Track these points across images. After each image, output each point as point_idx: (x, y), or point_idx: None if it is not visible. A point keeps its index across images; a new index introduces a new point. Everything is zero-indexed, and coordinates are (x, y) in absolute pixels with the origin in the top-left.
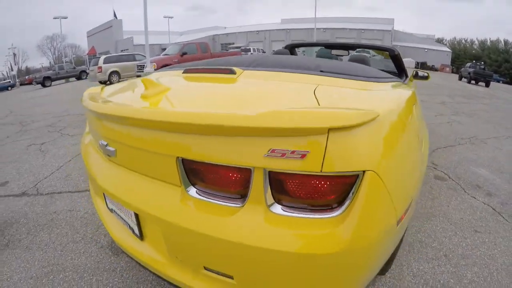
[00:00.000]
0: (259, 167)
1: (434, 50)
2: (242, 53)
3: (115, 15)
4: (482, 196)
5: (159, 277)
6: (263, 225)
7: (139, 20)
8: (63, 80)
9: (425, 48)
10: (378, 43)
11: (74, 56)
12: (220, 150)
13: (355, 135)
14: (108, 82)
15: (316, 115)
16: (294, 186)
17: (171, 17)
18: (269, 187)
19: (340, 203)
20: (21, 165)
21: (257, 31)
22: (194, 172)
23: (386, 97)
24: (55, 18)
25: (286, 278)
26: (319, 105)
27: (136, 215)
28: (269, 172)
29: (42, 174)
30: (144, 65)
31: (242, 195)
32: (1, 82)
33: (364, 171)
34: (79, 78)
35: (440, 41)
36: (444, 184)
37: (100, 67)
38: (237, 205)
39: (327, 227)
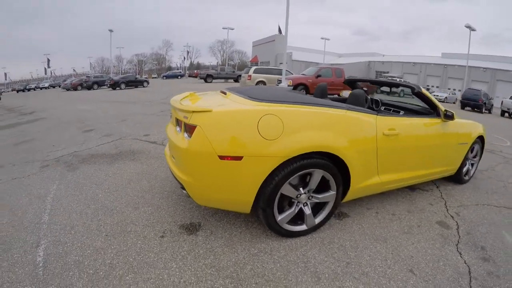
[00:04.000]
0: (188, 123)
1: None
2: None
3: (279, 31)
4: None
5: (177, 180)
6: (182, 139)
7: (302, 38)
8: (223, 80)
9: None
10: None
11: (239, 61)
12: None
13: (201, 115)
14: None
15: (193, 108)
16: (186, 128)
17: (328, 39)
18: (184, 129)
19: (190, 135)
20: (162, 129)
21: (414, 62)
22: (187, 128)
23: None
24: (224, 28)
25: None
26: None
27: (171, 144)
28: (184, 123)
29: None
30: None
31: (188, 133)
32: (175, 71)
33: (196, 125)
34: (236, 80)
35: None
36: None
37: (250, 76)
38: (186, 136)
39: (187, 142)
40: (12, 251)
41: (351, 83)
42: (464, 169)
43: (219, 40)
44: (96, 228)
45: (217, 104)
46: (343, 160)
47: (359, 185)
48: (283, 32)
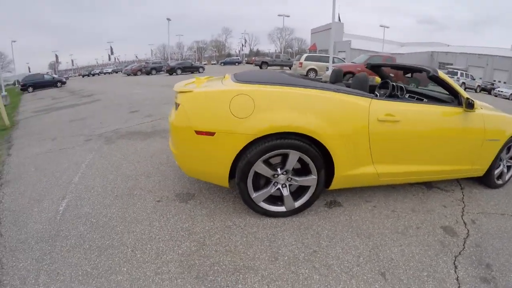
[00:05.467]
0: (176, 102)
1: None
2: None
3: (339, 19)
4: None
5: None
6: (172, 116)
7: (365, 26)
8: (278, 67)
9: None
10: None
11: (297, 48)
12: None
13: (184, 94)
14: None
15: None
16: (176, 106)
17: (387, 27)
18: (175, 107)
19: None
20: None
21: (479, 54)
22: (176, 106)
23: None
24: (279, 15)
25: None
26: None
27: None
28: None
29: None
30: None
31: (175, 111)
32: (233, 58)
33: (179, 104)
34: (291, 67)
35: None
36: None
37: (301, 63)
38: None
39: (173, 118)
40: (44, 201)
41: (374, 68)
42: (497, 171)
43: (278, 27)
44: (111, 190)
45: (206, 86)
46: (324, 145)
47: (346, 172)
48: (339, 20)
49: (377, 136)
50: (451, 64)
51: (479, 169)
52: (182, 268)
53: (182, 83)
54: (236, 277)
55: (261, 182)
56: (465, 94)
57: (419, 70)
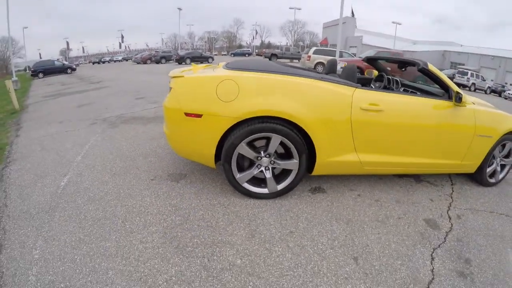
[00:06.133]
0: (169, 86)
1: None
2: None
3: (352, 14)
4: None
5: None
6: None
7: (378, 23)
8: (288, 60)
9: None
10: None
11: (309, 42)
12: None
13: (175, 79)
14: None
15: (172, 74)
16: (170, 90)
17: (399, 24)
18: (169, 91)
19: None
20: None
21: (492, 56)
22: (169, 90)
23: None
24: (290, 8)
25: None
26: None
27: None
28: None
29: None
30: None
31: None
32: (243, 49)
33: (172, 88)
34: (300, 60)
35: None
36: None
37: (309, 56)
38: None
39: (166, 101)
40: (47, 177)
41: (371, 61)
42: (489, 169)
43: (290, 20)
44: (110, 168)
45: (199, 73)
46: (305, 130)
47: (328, 159)
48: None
49: (360, 124)
50: (463, 64)
51: (470, 165)
52: (165, 239)
53: (179, 69)
54: (213, 250)
55: (245, 164)
56: (456, 88)
57: (411, 63)
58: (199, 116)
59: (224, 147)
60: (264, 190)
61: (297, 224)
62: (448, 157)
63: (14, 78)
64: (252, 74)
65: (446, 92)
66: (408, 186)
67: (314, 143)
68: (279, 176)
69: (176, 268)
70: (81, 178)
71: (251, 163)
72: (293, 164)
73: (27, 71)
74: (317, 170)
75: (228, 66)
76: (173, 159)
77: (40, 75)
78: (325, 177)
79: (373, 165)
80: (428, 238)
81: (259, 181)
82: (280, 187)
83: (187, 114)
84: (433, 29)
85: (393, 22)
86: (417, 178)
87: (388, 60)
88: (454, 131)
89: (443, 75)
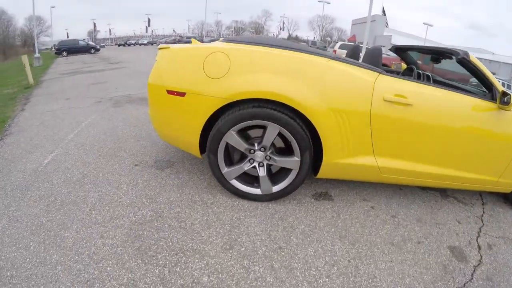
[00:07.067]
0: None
1: None
2: None
3: (383, 12)
4: None
5: None
6: None
7: (410, 24)
8: None
9: None
10: None
11: (337, 38)
12: None
13: (161, 51)
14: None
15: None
16: None
17: (431, 25)
18: None
19: None
20: None
21: None
22: None
23: None
24: (319, 1)
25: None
26: None
27: None
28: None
29: None
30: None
31: None
32: None
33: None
34: None
35: None
36: None
37: (335, 50)
38: None
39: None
40: (34, 153)
41: (399, 52)
42: None
43: (319, 15)
44: (97, 149)
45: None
46: (311, 121)
47: (338, 160)
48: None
49: (382, 120)
50: (494, 73)
51: (507, 184)
52: (128, 237)
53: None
54: (177, 258)
55: (236, 156)
56: (501, 87)
57: (448, 52)
58: (182, 94)
59: (210, 135)
60: (256, 191)
61: (290, 238)
62: (484, 171)
63: (37, 55)
64: (249, 47)
65: (488, 92)
66: (433, 201)
67: (320, 137)
68: (276, 175)
69: (130, 275)
70: (65, 157)
71: (243, 157)
72: (293, 162)
73: (52, 49)
74: (323, 172)
75: (229, 40)
76: (166, 144)
77: (64, 53)
78: (334, 181)
79: (393, 172)
80: (452, 273)
81: (251, 179)
82: (275, 188)
83: (169, 92)
84: (465, 34)
85: (424, 24)
86: (443, 192)
87: (420, 50)
88: (495, 140)
89: (486, 70)
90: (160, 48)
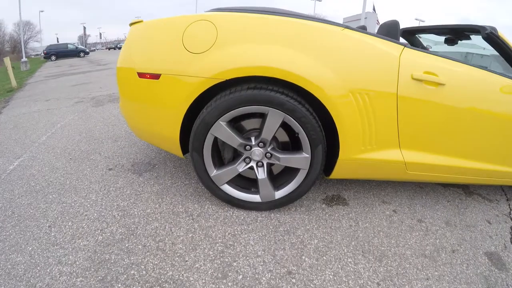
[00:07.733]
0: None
1: None
2: None
3: (374, 9)
4: None
5: None
6: None
7: (403, 20)
8: None
9: None
10: None
11: None
12: None
13: (133, 27)
14: None
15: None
16: None
17: (423, 21)
18: None
19: None
20: None
21: None
22: None
23: None
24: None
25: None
26: None
27: None
28: None
29: None
30: None
31: None
32: None
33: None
34: None
35: None
36: None
37: None
38: None
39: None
40: (0, 158)
41: (407, 35)
42: None
43: (310, 14)
44: (69, 152)
45: None
46: (325, 105)
47: (357, 155)
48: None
49: (410, 103)
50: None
51: None
52: (91, 263)
53: None
54: None
55: (227, 155)
56: None
57: (471, 29)
58: (157, 77)
59: (193, 128)
60: (254, 197)
61: (301, 259)
62: None
63: (24, 59)
64: (241, 14)
65: None
66: (457, 200)
67: (337, 127)
68: (280, 177)
69: None
70: (32, 162)
71: (237, 155)
72: (301, 160)
73: (41, 54)
74: (338, 171)
75: (222, 9)
76: (147, 144)
77: (53, 57)
78: (345, 181)
79: (421, 168)
80: (494, 285)
81: (248, 183)
82: (279, 194)
83: (141, 75)
84: None
85: (416, 19)
86: (466, 189)
87: (433, 30)
88: None
89: None
90: (131, 24)
